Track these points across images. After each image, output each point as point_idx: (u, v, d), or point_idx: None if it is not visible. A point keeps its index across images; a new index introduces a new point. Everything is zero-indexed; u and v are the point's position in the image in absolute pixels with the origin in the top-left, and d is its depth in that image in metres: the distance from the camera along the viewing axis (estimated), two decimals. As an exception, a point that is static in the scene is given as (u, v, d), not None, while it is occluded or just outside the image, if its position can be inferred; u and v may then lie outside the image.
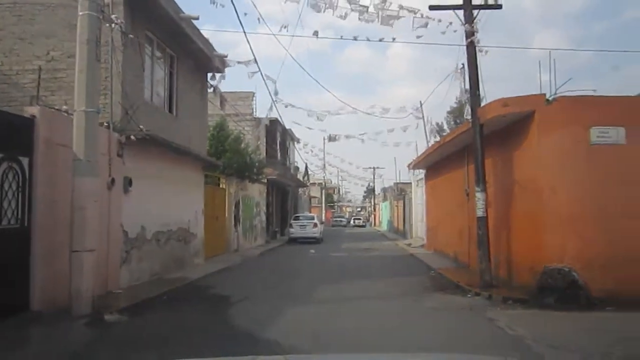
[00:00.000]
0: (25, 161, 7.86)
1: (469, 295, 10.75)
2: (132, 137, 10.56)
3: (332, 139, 25.61)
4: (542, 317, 8.68)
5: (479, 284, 11.24)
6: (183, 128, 14.65)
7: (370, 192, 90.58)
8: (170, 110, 14.17)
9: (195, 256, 15.89)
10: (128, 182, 10.97)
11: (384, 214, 59.13)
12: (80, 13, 8.37)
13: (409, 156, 25.11)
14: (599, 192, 9.81)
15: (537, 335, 7.27)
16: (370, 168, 73.96)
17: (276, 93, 18.34)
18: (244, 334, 7.56)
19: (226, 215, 20.40)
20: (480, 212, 11.51)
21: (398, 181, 45.97)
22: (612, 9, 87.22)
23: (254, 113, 29.04)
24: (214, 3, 11.02)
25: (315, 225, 30.54)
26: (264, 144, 28.71)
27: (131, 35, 9.97)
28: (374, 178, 75.37)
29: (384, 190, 73.11)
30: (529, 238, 10.75)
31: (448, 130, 33.19)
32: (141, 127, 10.65)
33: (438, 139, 20.85)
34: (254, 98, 29.28)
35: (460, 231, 16.00)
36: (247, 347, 6.67)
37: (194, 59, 15.42)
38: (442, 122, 41.95)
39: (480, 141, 11.63)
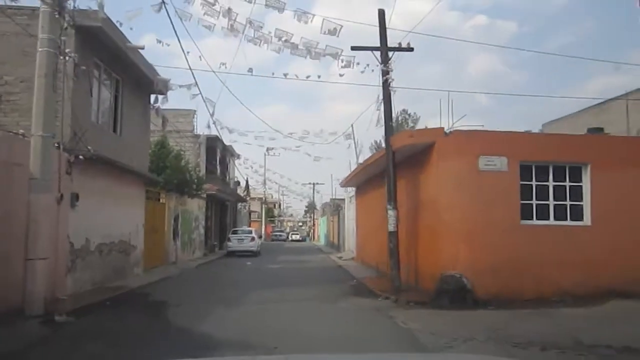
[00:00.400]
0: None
1: (380, 299, 12.43)
2: (81, 156, 11.64)
3: (269, 149, 27.08)
4: (434, 315, 10.41)
5: (390, 290, 12.95)
6: (127, 147, 15.73)
7: (311, 207, 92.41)
8: (114, 131, 15.23)
9: (135, 267, 16.88)
10: (75, 198, 12.01)
11: (322, 228, 60.89)
12: (40, 49, 9.53)
13: (345, 173, 26.88)
14: (485, 211, 11.75)
15: (424, 328, 8.95)
16: (309, 184, 75.67)
17: (213, 114, 19.56)
18: (180, 329, 8.87)
19: (165, 228, 21.40)
20: (391, 227, 13.28)
21: (334, 197, 47.85)
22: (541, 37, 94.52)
23: (195, 130, 30.13)
24: (160, 42, 12.21)
25: (252, 239, 31.80)
26: (204, 160, 29.78)
27: (83, 67, 11.11)
28: (313, 193, 77.23)
29: (324, 205, 75.09)
30: (430, 249, 12.59)
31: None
32: (89, 147, 11.74)
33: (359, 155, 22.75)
34: (195, 116, 30.40)
35: (382, 244, 17.71)
36: (183, 338, 8.02)
37: (138, 82, 16.54)
38: (380, 140, 44.35)
39: (393, 165, 13.43)
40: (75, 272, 12.33)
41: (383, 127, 14.00)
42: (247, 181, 51.51)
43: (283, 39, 13.54)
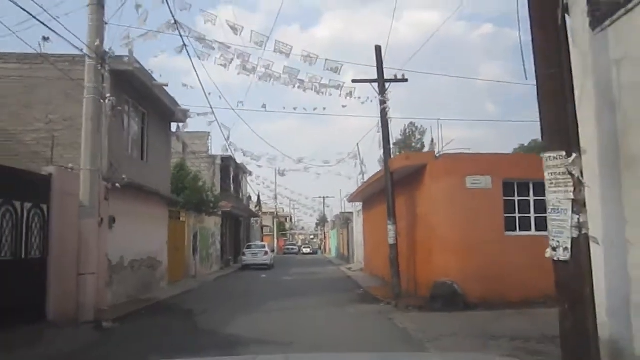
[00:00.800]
0: (45, 207, 10.62)
1: (382, 304, 13.99)
2: (117, 185, 13.37)
3: (281, 173, 28.77)
4: (428, 317, 11.95)
5: (392, 296, 14.49)
6: (152, 172, 17.49)
7: (322, 220, 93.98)
8: (142, 158, 17.02)
9: (161, 280, 18.56)
10: (112, 220, 13.73)
11: (332, 241, 62.42)
12: (86, 96, 11.30)
13: (352, 188, 28.54)
14: (473, 224, 13.28)
15: (417, 327, 10.51)
16: (319, 197, 77.29)
17: (228, 138, 21.32)
18: (209, 331, 10.51)
19: (185, 245, 23.11)
20: (391, 240, 14.86)
21: (343, 211, 49.38)
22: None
23: (210, 151, 31.95)
24: (185, 86, 14.03)
25: (266, 253, 33.44)
26: (219, 179, 31.56)
27: (119, 108, 12.88)
28: (324, 207, 78.74)
29: (335, 219, 76.67)
30: (426, 259, 14.14)
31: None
32: (124, 176, 13.47)
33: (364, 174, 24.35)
34: (209, 137, 32.26)
35: (386, 256, 19.31)
36: (213, 338, 9.65)
37: (161, 113, 18.36)
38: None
39: (391, 184, 15.04)
40: (113, 286, 14.01)
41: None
42: (258, 196, 53.39)
43: (290, 75, 15.27)
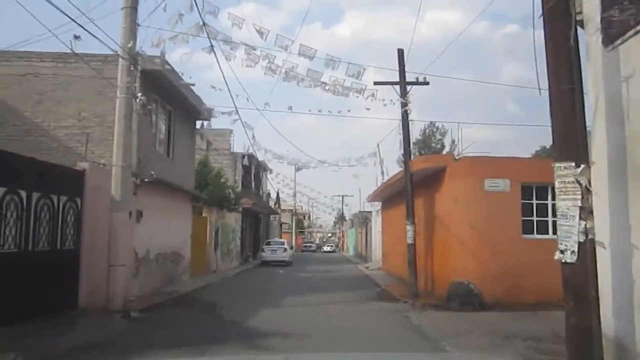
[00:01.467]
0: (78, 201, 11.17)
1: (399, 303, 14.31)
2: (145, 180, 13.89)
3: (299, 169, 29.18)
4: (443, 315, 12.25)
5: (409, 295, 14.80)
6: (177, 168, 18.02)
7: (340, 218, 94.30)
8: (168, 155, 17.55)
9: (183, 274, 19.11)
10: (140, 215, 14.26)
11: (350, 240, 62.76)
12: (119, 96, 11.81)
13: (372, 187, 28.74)
14: (490, 226, 13.51)
15: (431, 324, 10.84)
16: (338, 196, 77.60)
17: (253, 137, 21.82)
18: (232, 322, 10.97)
19: (207, 240, 23.66)
20: (409, 240, 15.16)
21: (362, 210, 49.68)
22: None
23: (232, 148, 32.50)
24: (214, 88, 14.55)
25: (285, 249, 33.95)
26: (240, 176, 32.10)
27: (149, 107, 13.39)
28: (342, 205, 79.03)
29: (353, 217, 76.91)
30: (443, 259, 14.42)
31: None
32: (152, 172, 13.99)
33: (385, 173, 24.55)
34: (232, 134, 32.79)
35: (404, 255, 19.61)
36: (236, 329, 10.10)
37: (187, 111, 18.88)
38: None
39: (411, 186, 15.33)
40: (139, 277, 14.55)
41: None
42: (277, 194, 53.92)
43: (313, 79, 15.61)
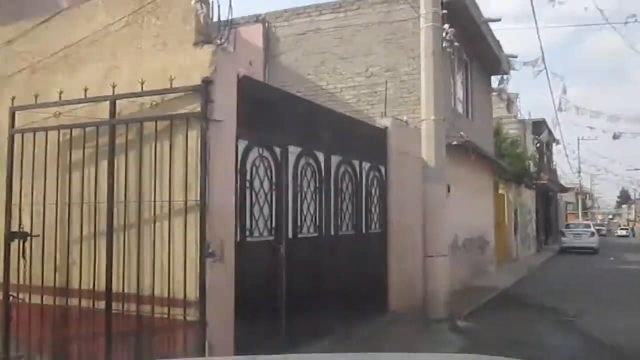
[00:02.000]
0: (382, 169, 8.37)
1: None
2: (454, 143, 10.60)
3: (616, 136, 22.85)
4: None
5: None
6: (478, 133, 14.42)
7: (626, 197, 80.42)
8: (467, 115, 14.10)
9: (489, 264, 15.50)
10: (447, 189, 11.04)
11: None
12: (424, 25, 8.65)
13: None
14: None
15: None
16: (635, 169, 64.78)
17: (564, 92, 16.97)
18: (609, 346, 6.90)
19: (506, 222, 19.61)
20: None
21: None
22: None
23: (519, 115, 27.60)
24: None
25: (592, 234, 27.81)
26: (534, 147, 27.12)
27: (457, 43, 10.03)
28: (641, 181, 65.85)
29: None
30: None
31: None
32: (462, 133, 10.65)
33: None
34: (518, 99, 27.83)
35: None
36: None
37: (484, 61, 15.14)
38: None
39: None
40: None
41: None
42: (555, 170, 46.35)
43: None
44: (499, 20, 13.08)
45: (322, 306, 6.52)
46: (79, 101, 5.10)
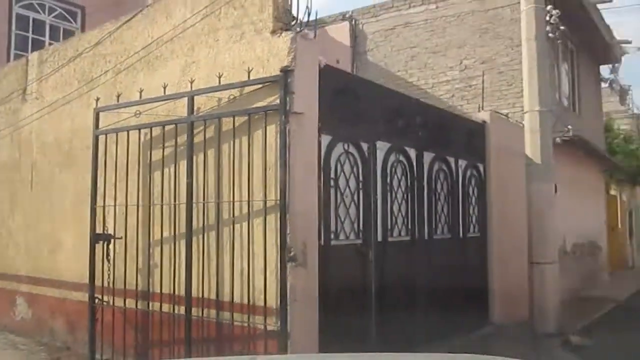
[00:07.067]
0: (481, 167, 7.65)
1: None
2: (558, 139, 9.60)
3: None
4: None
5: None
6: (586, 128, 13.09)
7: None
8: (573, 109, 12.86)
9: (600, 272, 14.06)
10: (554, 188, 10.03)
11: None
12: (525, 8, 7.84)
13: None
14: None
15: None
16: None
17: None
18: None
19: (620, 226, 17.82)
20: None
21: None
22: None
23: (631, 109, 25.20)
24: None
25: None
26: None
27: (562, 27, 9.07)
28: None
29: None
30: None
31: None
32: (569, 127, 9.63)
33: None
34: (630, 91, 25.45)
35: None
36: None
37: (592, 48, 13.77)
38: None
39: None
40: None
41: None
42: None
43: None
44: (610, 0, 11.78)
45: (415, 315, 5.99)
46: (157, 99, 4.94)
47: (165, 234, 5.01)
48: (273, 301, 4.27)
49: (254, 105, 4.46)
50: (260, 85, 4.45)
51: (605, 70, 15.67)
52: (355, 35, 12.50)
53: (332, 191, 4.84)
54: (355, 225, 5.12)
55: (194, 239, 4.72)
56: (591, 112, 14.13)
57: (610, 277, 14.66)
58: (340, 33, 12.56)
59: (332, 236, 4.83)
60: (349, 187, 5.05)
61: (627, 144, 18.76)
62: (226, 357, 4.61)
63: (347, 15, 12.70)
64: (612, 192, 17.83)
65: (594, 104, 14.72)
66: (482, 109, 9.24)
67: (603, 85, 15.74)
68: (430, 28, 11.65)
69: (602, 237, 14.24)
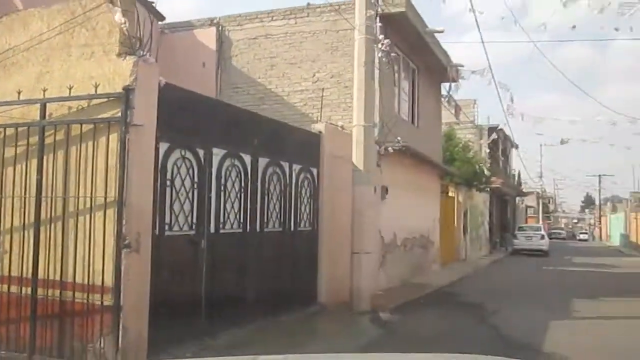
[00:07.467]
0: (314, 171, 8.94)
1: None
2: (390, 149, 11.24)
3: (563, 142, 23.89)
4: None
5: None
6: (423, 138, 15.10)
7: (589, 202, 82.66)
8: (412, 122, 14.77)
9: (432, 263, 16.24)
10: (385, 191, 11.70)
11: (613, 227, 53.28)
12: (358, 37, 9.26)
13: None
14: None
15: None
16: (594, 175, 66.97)
17: (511, 101, 17.79)
18: (516, 342, 7.61)
19: (455, 224, 20.42)
20: None
21: (635, 190, 41.10)
22: None
23: (476, 120, 28.61)
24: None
25: (542, 237, 29.04)
26: (487, 152, 28.07)
27: (394, 54, 10.68)
28: (599, 187, 68.09)
29: (612, 200, 65.79)
30: None
31: None
32: (398, 138, 11.29)
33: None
34: (475, 105, 28.88)
35: None
36: (529, 356, 6.73)
37: (432, 70, 15.83)
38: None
39: None
40: (386, 267, 12.07)
41: None
42: (519, 174, 47.73)
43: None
44: (441, 31, 13.76)
45: (246, 297, 7.09)
46: (12, 102, 5.53)
47: (16, 223, 5.62)
48: (110, 281, 5.12)
49: (100, 116, 5.26)
50: (105, 99, 5.25)
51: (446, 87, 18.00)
52: (222, 40, 13.37)
53: (168, 190, 5.77)
54: (189, 219, 6.09)
55: (43, 228, 5.41)
56: (430, 124, 16.22)
57: (441, 268, 16.93)
58: (208, 37, 13.38)
59: (167, 227, 5.77)
60: (185, 187, 6.00)
61: (465, 152, 21.48)
62: (226, 357, 4.85)
63: (214, 21, 13.52)
64: (451, 194, 20.38)
65: (434, 117, 16.87)
66: (321, 119, 10.59)
67: (444, 100, 18.00)
68: (289, 41, 12.85)
69: (434, 233, 16.43)
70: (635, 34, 18.47)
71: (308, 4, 12.57)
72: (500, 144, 31.74)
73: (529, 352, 7.09)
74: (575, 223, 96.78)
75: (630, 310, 10.77)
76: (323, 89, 11.81)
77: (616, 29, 12.25)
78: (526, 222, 44.81)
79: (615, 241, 48.87)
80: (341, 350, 6.79)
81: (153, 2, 12.50)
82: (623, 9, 10.92)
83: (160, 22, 13.56)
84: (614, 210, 54.66)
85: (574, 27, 16.90)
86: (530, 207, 62.86)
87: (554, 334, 8.16)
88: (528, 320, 9.10)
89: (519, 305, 10.93)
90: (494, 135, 24.74)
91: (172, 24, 13.85)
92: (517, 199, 45.32)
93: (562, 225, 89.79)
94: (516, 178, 46.51)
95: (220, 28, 13.39)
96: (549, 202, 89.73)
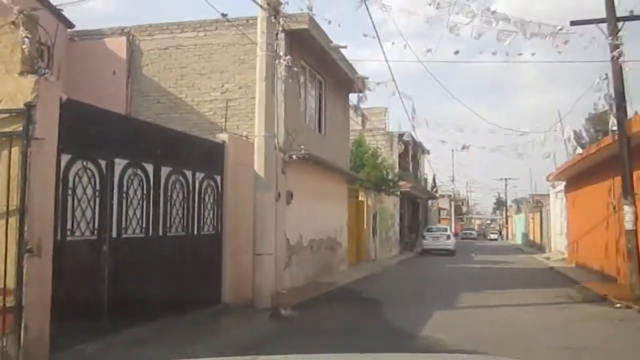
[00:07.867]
0: (218, 179, 9.55)
1: (614, 307, 10.80)
2: (294, 156, 12.03)
3: (464, 147, 25.72)
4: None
5: (630, 298, 11.18)
6: (330, 146, 16.07)
7: (500, 203, 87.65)
8: (319, 130, 15.67)
9: (340, 263, 17.22)
10: (290, 196, 12.48)
11: (517, 226, 57.20)
12: (259, 54, 9.98)
13: (546, 167, 24.35)
14: None
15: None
16: (501, 179, 71.52)
17: (414, 111, 19.07)
18: (400, 329, 8.58)
19: (365, 226, 21.59)
20: (628, 225, 11.48)
21: (534, 192, 44.45)
22: None
23: (387, 127, 30.12)
24: (366, 36, 12.13)
25: (448, 237, 30.88)
26: (397, 157, 29.64)
27: (295, 69, 11.48)
28: (505, 190, 72.79)
29: (517, 202, 70.30)
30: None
31: (587, 139, 31.82)
32: (302, 147, 12.09)
33: (577, 147, 20.26)
34: (387, 113, 30.40)
35: (607, 244, 15.67)
36: (408, 341, 7.68)
37: (339, 82, 16.84)
38: (580, 130, 40.08)
39: (628, 154, 11.61)
40: (291, 267, 12.83)
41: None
42: (434, 178, 50.40)
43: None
44: (345, 47, 14.78)
45: (149, 297, 7.57)
46: None
47: None
48: (12, 284, 5.51)
49: (2, 130, 5.64)
50: (7, 115, 5.64)
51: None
52: (132, 50, 13.66)
53: (70, 198, 6.20)
54: (91, 225, 6.54)
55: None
56: (337, 132, 17.22)
57: (349, 268, 17.95)
58: (118, 46, 13.63)
59: (69, 233, 6.20)
60: (87, 195, 6.46)
61: (374, 158, 22.74)
62: (226, 358, 5.00)
63: (125, 30, 13.79)
64: (361, 198, 21.55)
65: (342, 126, 17.89)
66: (225, 130, 11.22)
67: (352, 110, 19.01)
68: (199, 52, 13.38)
69: (342, 234, 17.43)
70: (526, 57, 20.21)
71: (223, 15, 13.13)
72: (411, 150, 33.51)
73: (405, 335, 8.09)
74: (489, 224, 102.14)
75: (505, 299, 12.15)
76: (227, 100, 12.41)
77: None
78: (440, 224, 47.15)
79: (519, 240, 52.60)
80: (239, 341, 7.50)
81: (62, 10, 12.66)
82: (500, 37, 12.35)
83: (69, 30, 13.69)
84: (518, 211, 58.55)
85: (456, 52, 18.27)
86: (444, 209, 66.28)
87: (436, 322, 9.24)
88: (418, 312, 10.11)
89: (414, 299, 12.05)
90: (401, 146, 26.20)
91: (82, 32, 13.97)
92: (430, 201, 47.75)
93: (475, 226, 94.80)
94: (430, 182, 49.02)
95: (131, 37, 13.68)
96: (462, 204, 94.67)
